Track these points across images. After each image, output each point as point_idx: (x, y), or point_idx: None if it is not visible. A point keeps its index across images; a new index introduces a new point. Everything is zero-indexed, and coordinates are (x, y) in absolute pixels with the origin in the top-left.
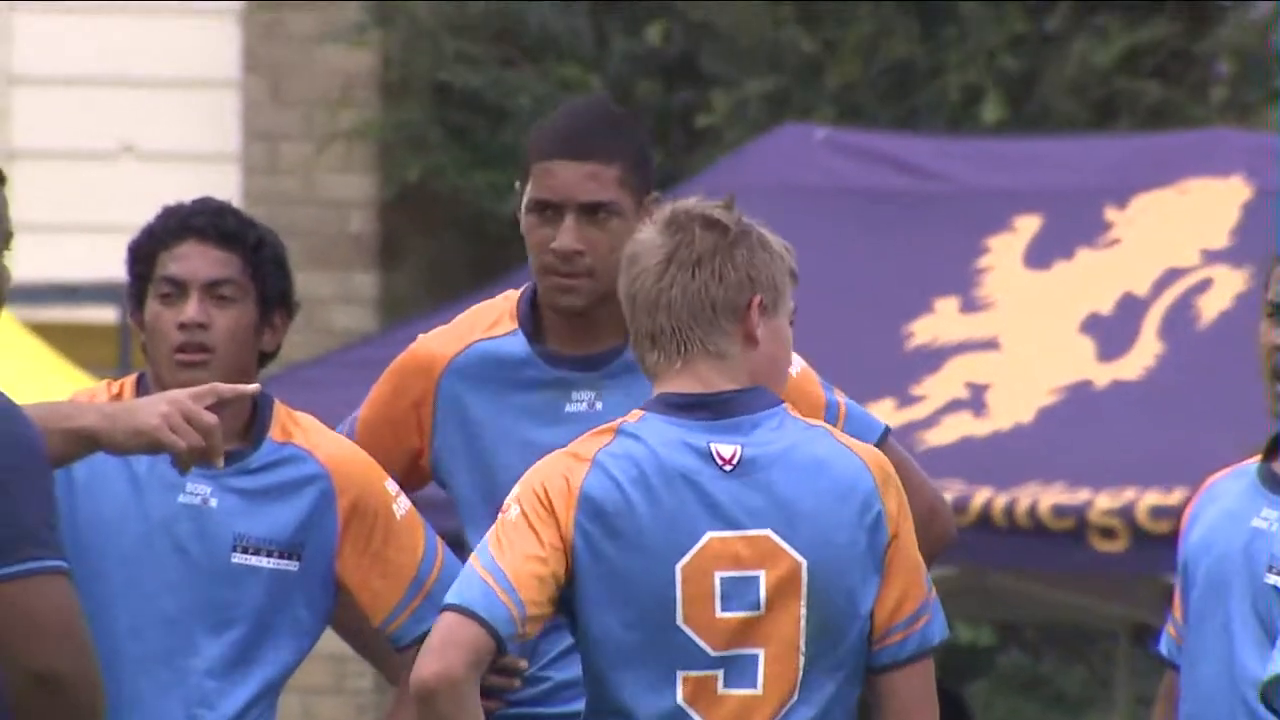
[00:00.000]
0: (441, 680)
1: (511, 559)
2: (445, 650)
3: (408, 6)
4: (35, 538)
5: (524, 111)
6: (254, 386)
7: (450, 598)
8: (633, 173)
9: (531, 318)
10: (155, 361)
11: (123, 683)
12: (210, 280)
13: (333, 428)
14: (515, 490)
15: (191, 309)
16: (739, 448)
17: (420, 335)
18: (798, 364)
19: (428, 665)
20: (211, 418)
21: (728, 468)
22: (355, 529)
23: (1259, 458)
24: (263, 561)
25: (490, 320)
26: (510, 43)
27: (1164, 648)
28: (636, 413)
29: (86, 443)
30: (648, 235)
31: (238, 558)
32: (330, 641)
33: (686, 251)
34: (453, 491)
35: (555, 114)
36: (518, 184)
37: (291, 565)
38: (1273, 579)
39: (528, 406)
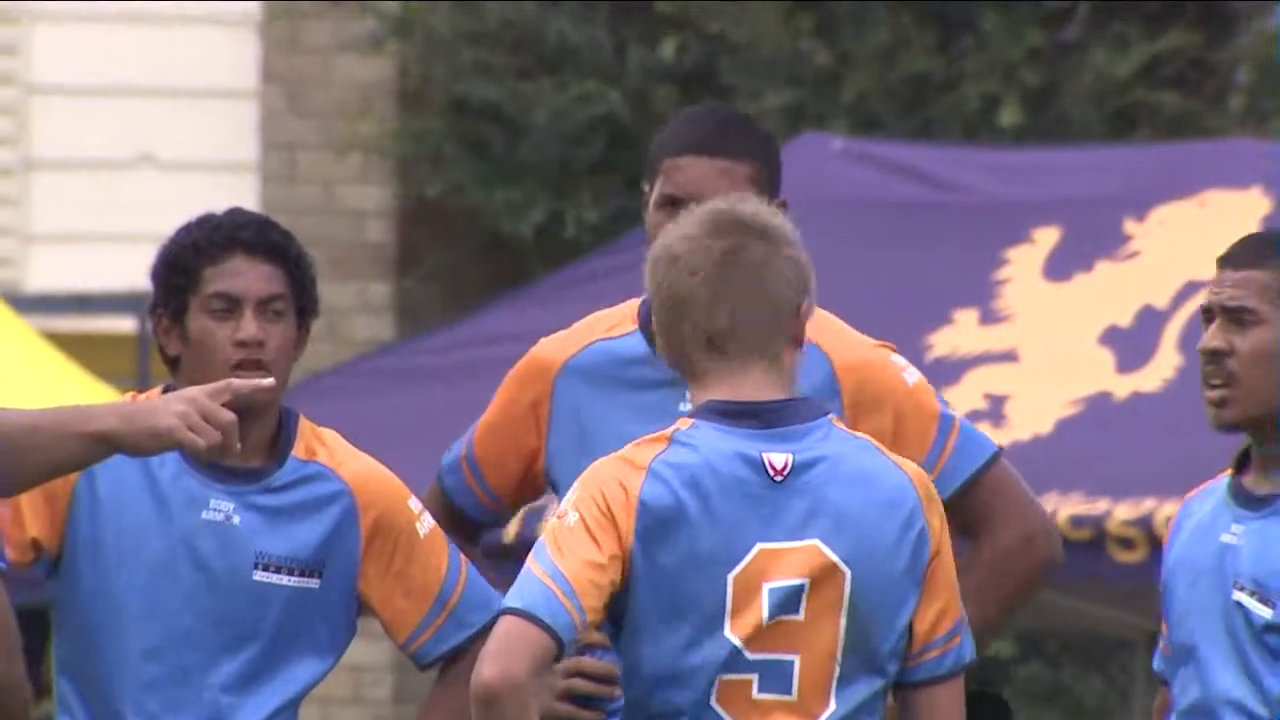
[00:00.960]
0: (505, 683)
1: (572, 564)
2: (508, 653)
3: (424, 17)
4: None
5: (541, 125)
6: (269, 381)
7: (511, 601)
8: (763, 171)
9: (651, 319)
10: (201, 375)
11: (138, 698)
12: (264, 296)
13: (351, 438)
14: (572, 495)
15: (251, 327)
16: (790, 457)
17: (541, 339)
18: (914, 374)
19: (490, 668)
20: (229, 415)
21: (779, 478)
22: (378, 547)
23: (1230, 472)
24: (284, 579)
25: (611, 323)
26: (527, 54)
27: (1157, 664)
28: (687, 420)
29: (105, 446)
30: (691, 234)
31: (259, 575)
32: (349, 652)
33: (746, 254)
34: (559, 494)
35: (683, 114)
36: (644, 185)
37: (313, 583)
38: (1238, 595)
39: (641, 405)
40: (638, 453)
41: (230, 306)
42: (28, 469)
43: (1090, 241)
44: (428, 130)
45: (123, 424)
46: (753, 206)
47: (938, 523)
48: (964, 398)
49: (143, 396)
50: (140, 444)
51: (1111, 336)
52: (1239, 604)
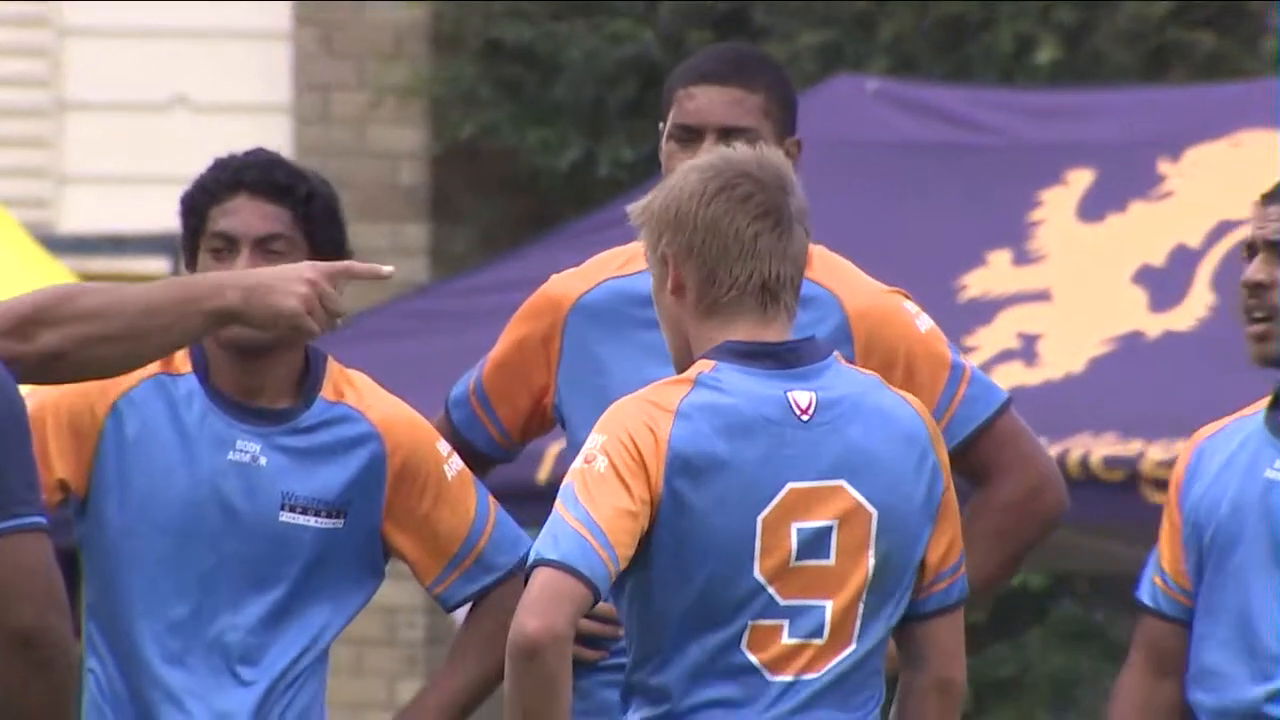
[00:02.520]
0: (547, 636)
1: (604, 512)
2: (551, 606)
3: None
4: (16, 495)
5: (574, 66)
6: (389, 269)
7: (546, 552)
8: (776, 105)
9: None
10: None
11: (165, 639)
12: (261, 235)
13: (385, 380)
14: (599, 440)
15: (243, 265)
16: (814, 395)
17: (553, 275)
18: (926, 322)
19: (532, 621)
20: (343, 305)
21: (805, 417)
22: (405, 490)
23: (1254, 409)
24: (310, 520)
25: (622, 260)
26: None
27: (1146, 596)
28: (707, 362)
29: (226, 321)
30: (752, 173)
31: (285, 516)
32: (381, 593)
33: (783, 208)
34: (569, 430)
35: (699, 51)
36: (661, 125)
37: (338, 524)
38: None
39: (652, 345)
40: (663, 395)
41: (228, 246)
42: (146, 350)
43: (1124, 182)
44: (461, 73)
45: (244, 301)
46: (772, 152)
47: (944, 455)
48: (997, 337)
49: None
50: (259, 321)
51: (1145, 276)
52: None
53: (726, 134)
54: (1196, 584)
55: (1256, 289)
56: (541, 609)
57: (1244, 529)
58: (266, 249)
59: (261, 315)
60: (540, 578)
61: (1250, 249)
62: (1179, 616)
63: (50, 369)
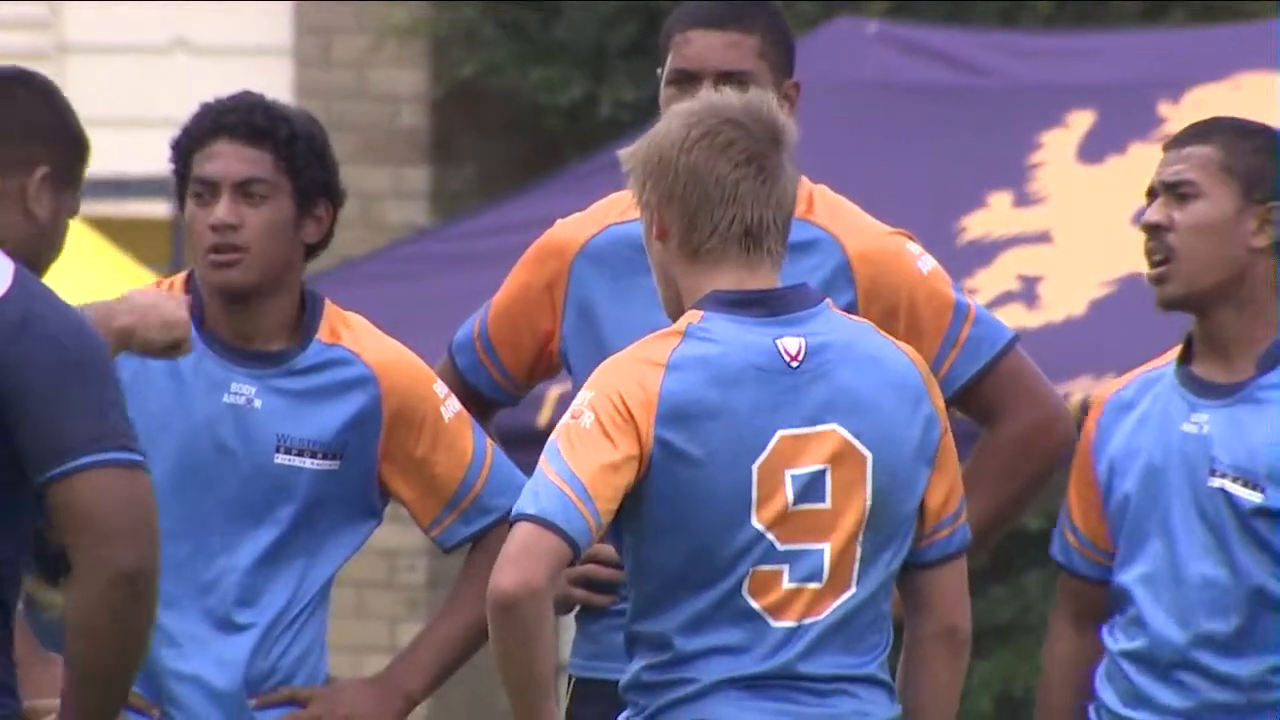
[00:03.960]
0: (524, 590)
1: (587, 467)
2: (527, 561)
3: None
4: (118, 430)
5: (576, 5)
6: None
7: (526, 507)
8: (773, 47)
9: None
10: (196, 260)
11: (163, 581)
12: (241, 179)
13: (385, 323)
14: (586, 396)
15: (222, 209)
16: (803, 341)
17: (558, 220)
18: (929, 263)
19: (509, 575)
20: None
21: (794, 364)
22: (401, 432)
23: (1162, 362)
24: (305, 462)
25: (625, 205)
26: None
27: (1060, 554)
28: (696, 313)
29: (124, 341)
30: (736, 119)
31: (280, 458)
32: (383, 536)
33: (768, 155)
34: (573, 375)
35: None
36: (660, 70)
37: (334, 466)
38: (1219, 483)
39: (654, 290)
40: (653, 349)
41: (209, 191)
42: None
43: (1124, 124)
44: (462, 13)
45: (135, 318)
46: (763, 97)
47: (940, 402)
48: (997, 279)
49: (168, 281)
50: (153, 338)
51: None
52: (1223, 490)
53: (723, 78)
54: (1115, 542)
55: (1154, 230)
56: (519, 563)
57: (1166, 484)
58: (245, 192)
59: (155, 329)
60: (519, 532)
61: (1151, 193)
62: (1094, 576)
63: None
